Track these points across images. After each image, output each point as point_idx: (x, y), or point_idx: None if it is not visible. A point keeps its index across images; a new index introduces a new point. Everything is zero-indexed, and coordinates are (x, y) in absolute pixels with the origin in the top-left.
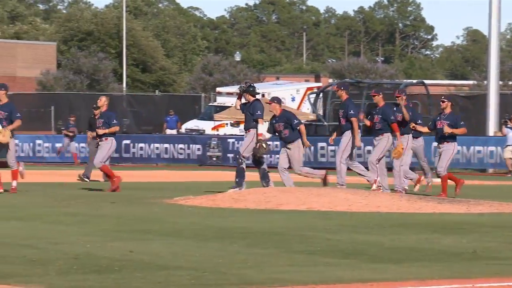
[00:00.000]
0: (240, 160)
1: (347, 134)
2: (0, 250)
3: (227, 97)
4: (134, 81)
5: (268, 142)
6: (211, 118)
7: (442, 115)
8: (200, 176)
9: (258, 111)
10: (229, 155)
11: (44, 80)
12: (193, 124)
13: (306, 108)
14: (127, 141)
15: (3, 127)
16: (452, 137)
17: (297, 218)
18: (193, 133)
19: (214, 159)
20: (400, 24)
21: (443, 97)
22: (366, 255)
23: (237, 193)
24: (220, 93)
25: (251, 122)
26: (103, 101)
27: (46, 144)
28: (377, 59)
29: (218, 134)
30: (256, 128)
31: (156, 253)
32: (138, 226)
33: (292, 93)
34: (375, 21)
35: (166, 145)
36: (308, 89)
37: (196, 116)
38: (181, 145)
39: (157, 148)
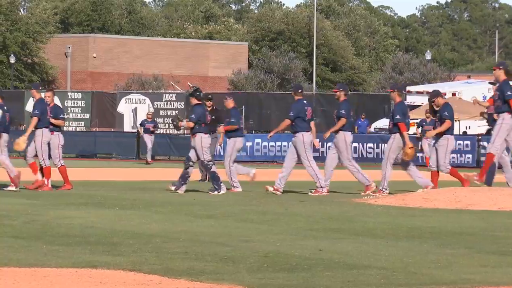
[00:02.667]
0: (209, 165)
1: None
2: (194, 247)
3: (417, 96)
4: (324, 80)
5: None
6: None
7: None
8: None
9: (193, 115)
10: (418, 154)
11: (236, 79)
12: (382, 123)
13: None
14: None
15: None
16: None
17: (488, 218)
18: (382, 132)
19: None
20: None
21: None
22: None
23: (427, 193)
24: (410, 92)
25: (198, 126)
26: (50, 96)
27: None
28: None
29: (407, 133)
30: (201, 132)
31: (346, 252)
32: (328, 225)
33: (483, 92)
34: None
35: (355, 144)
36: None
37: (385, 115)
38: (370, 144)
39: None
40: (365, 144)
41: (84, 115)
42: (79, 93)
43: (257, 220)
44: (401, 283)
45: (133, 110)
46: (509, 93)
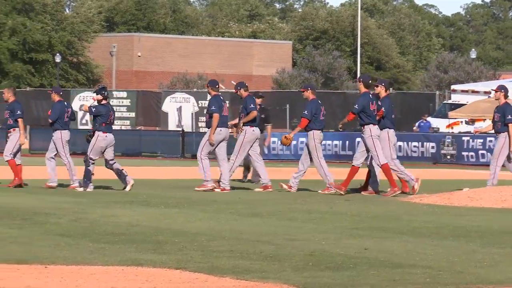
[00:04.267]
0: (88, 162)
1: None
2: (239, 246)
3: (462, 94)
4: None
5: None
6: (445, 116)
7: None
8: (435, 174)
9: (94, 109)
10: (464, 153)
11: (280, 78)
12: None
13: None
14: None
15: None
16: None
17: None
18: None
19: (449, 157)
20: None
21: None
22: None
23: (473, 192)
24: (455, 91)
25: (98, 125)
26: (6, 94)
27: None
28: None
29: (452, 132)
30: (100, 131)
31: (391, 251)
32: (373, 223)
33: None
34: None
35: (400, 143)
36: None
37: (430, 114)
38: (414, 143)
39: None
40: (410, 142)
41: (129, 114)
42: (124, 92)
43: (302, 218)
44: (447, 282)
45: (178, 109)
46: (356, 106)
